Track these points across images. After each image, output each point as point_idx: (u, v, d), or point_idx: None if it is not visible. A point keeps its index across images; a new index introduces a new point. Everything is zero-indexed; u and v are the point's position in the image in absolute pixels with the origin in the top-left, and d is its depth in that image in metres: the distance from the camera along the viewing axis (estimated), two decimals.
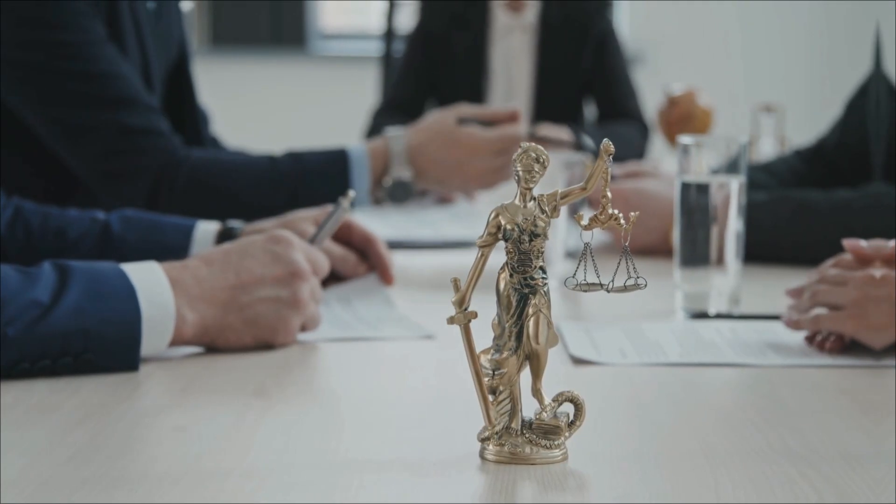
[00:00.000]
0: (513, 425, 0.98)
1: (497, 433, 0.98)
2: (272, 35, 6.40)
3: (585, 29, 3.47)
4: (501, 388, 0.98)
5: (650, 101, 3.36)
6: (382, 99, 3.61)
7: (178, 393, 1.21)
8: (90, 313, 1.22)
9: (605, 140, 0.97)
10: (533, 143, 0.97)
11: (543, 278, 0.97)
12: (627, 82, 3.48)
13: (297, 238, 1.40)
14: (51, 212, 1.62)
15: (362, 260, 1.61)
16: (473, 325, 0.98)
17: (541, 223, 0.97)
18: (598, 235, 1.03)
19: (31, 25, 1.90)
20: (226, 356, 1.32)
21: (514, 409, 0.98)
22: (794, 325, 1.37)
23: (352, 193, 1.55)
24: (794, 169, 2.14)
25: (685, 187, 1.57)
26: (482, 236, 0.97)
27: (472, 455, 0.99)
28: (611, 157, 0.97)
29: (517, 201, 0.97)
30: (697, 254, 1.57)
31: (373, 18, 5.67)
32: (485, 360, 0.98)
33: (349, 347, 1.40)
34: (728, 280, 1.56)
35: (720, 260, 1.56)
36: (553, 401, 0.99)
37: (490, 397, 0.98)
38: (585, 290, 0.99)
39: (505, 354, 0.98)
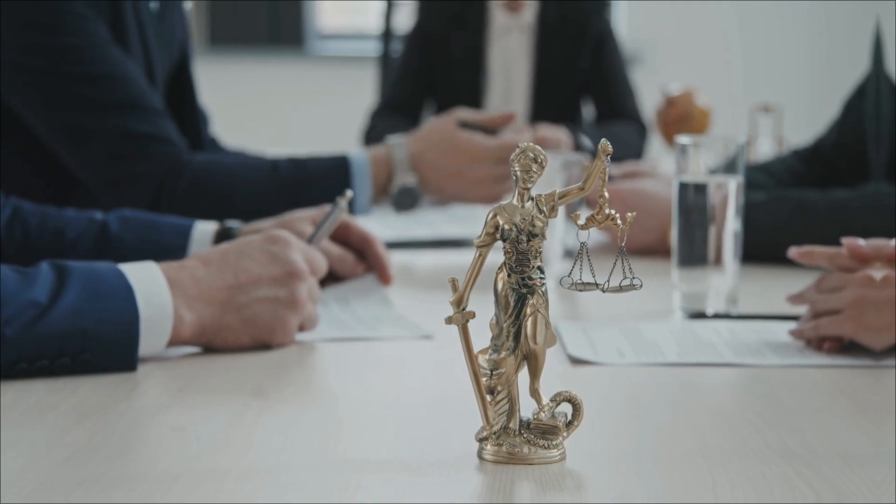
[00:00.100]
0: (511, 425, 0.98)
1: (495, 433, 0.98)
2: (270, 35, 6.39)
3: (583, 29, 3.47)
4: (499, 387, 0.98)
5: (648, 101, 3.35)
6: (380, 99, 3.60)
7: (176, 393, 1.21)
8: (88, 313, 1.22)
9: (603, 140, 0.97)
10: (531, 144, 0.97)
11: (541, 278, 0.97)
12: (625, 82, 3.48)
13: (295, 238, 1.40)
14: (49, 212, 1.62)
15: (360, 260, 1.61)
16: (471, 324, 0.98)
17: (539, 223, 0.97)
18: (595, 235, 1.03)
19: (34, 29, 1.89)
20: (224, 356, 1.32)
21: (511, 409, 0.98)
22: (798, 334, 1.38)
23: (349, 193, 1.55)
24: (792, 169, 2.14)
25: (683, 187, 1.57)
26: (480, 236, 0.97)
27: (470, 455, 0.99)
28: (608, 157, 0.96)
29: (515, 201, 0.97)
30: (695, 254, 1.57)
31: (371, 18, 5.67)
32: (483, 360, 0.98)
33: (347, 347, 1.40)
34: (726, 280, 1.56)
35: (718, 260, 1.56)
36: (551, 401, 0.99)
37: (488, 397, 0.98)
38: (581, 290, 0.99)
39: (503, 354, 0.98)
